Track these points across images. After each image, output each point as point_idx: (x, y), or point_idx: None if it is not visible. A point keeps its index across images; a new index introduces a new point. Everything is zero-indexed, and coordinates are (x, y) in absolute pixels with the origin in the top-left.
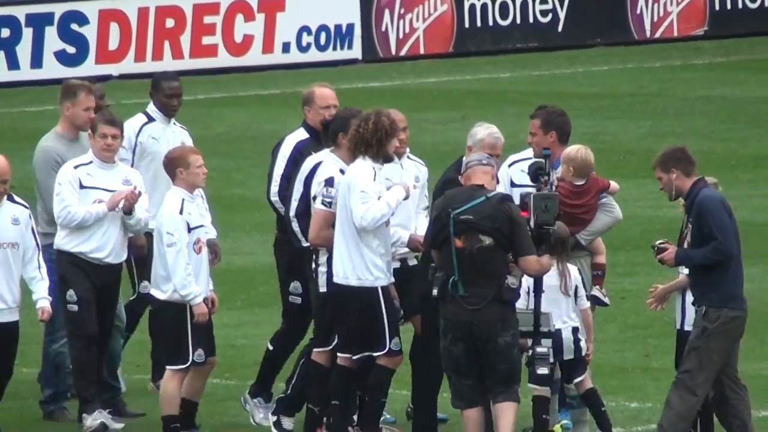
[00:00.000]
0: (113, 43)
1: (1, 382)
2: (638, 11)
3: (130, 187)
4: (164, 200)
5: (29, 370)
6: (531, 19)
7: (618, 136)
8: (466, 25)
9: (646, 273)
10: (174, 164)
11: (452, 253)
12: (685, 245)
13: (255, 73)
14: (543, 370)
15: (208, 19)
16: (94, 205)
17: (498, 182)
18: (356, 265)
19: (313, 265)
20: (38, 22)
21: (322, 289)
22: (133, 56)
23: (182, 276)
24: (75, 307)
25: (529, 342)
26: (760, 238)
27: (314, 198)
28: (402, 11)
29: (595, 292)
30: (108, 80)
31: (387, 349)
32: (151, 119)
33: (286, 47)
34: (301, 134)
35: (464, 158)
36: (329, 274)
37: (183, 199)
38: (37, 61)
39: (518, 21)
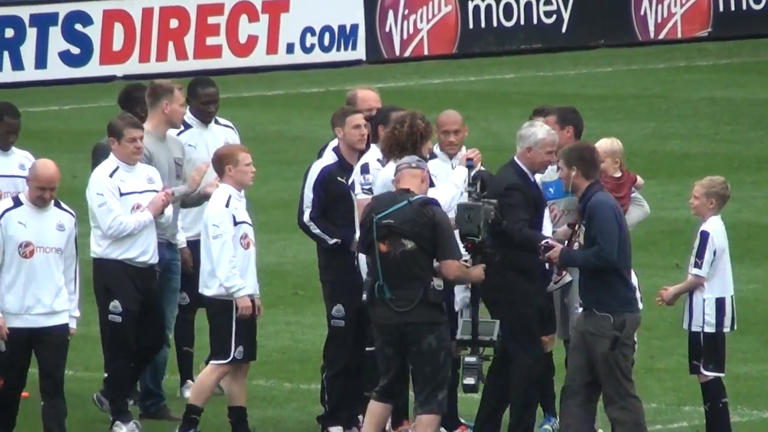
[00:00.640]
0: (117, 44)
1: (56, 386)
2: (642, 12)
3: (162, 192)
4: (212, 196)
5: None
6: (535, 20)
7: (622, 137)
8: (470, 26)
9: (650, 274)
10: (223, 161)
11: (377, 257)
12: (576, 246)
13: (259, 74)
14: (470, 380)
15: (212, 20)
16: (138, 213)
17: (432, 185)
18: None
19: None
20: (42, 23)
21: None
22: (138, 57)
23: (227, 268)
24: (118, 319)
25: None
26: (765, 239)
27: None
28: (406, 12)
29: None
30: (112, 81)
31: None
32: (187, 126)
33: (290, 48)
34: None
35: (516, 159)
36: None
37: (230, 195)
38: (41, 62)
39: (522, 22)
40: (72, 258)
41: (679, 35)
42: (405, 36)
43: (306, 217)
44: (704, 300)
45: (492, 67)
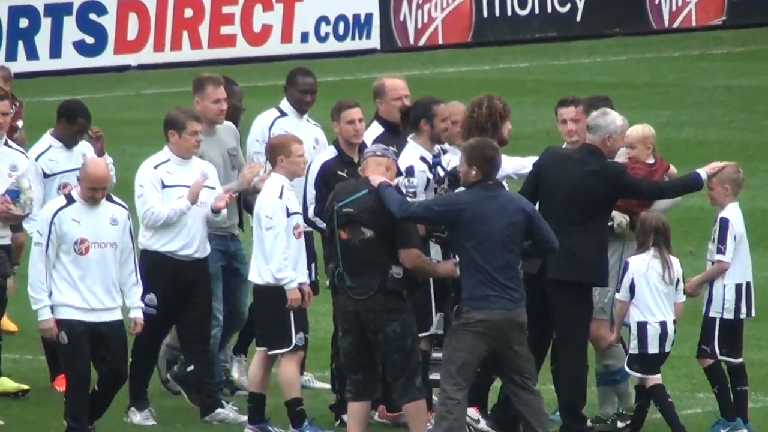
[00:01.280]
0: (132, 33)
1: (115, 384)
2: (657, 1)
3: (224, 193)
4: (264, 186)
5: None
6: (549, 9)
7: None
8: (485, 14)
9: None
10: (276, 151)
11: (338, 244)
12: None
13: (273, 63)
14: (435, 376)
15: (226, 9)
16: (175, 201)
17: (399, 173)
18: None
19: None
20: (57, 12)
21: None
22: (152, 46)
23: (279, 260)
24: (152, 311)
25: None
26: None
27: (398, 190)
28: (420, 1)
29: None
30: (127, 70)
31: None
32: (283, 114)
33: (304, 37)
34: (377, 128)
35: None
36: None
37: (282, 186)
38: (55, 52)
39: (537, 11)
40: (129, 250)
41: (694, 23)
42: (419, 25)
43: (311, 213)
44: (725, 286)
45: (506, 55)
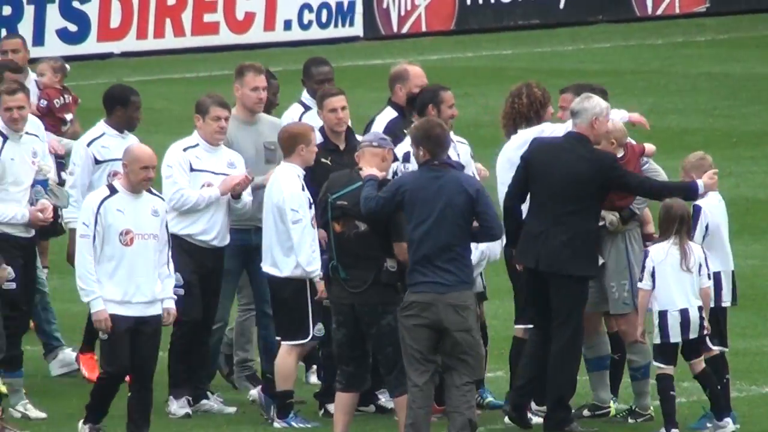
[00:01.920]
0: (115, 21)
1: (144, 377)
2: None
3: (242, 173)
4: (278, 176)
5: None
6: None
7: None
8: (468, 2)
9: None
10: (297, 140)
11: (332, 237)
12: None
13: (256, 51)
14: None
15: None
16: (206, 189)
17: (396, 159)
18: None
19: None
20: (40, 0)
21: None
22: (135, 34)
23: (308, 252)
24: (180, 291)
25: None
26: (763, 214)
27: (395, 175)
28: None
29: None
30: (110, 58)
31: None
32: (307, 108)
33: (287, 24)
34: (390, 113)
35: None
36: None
37: (299, 176)
38: (38, 39)
39: None
40: (165, 243)
41: (677, 11)
42: (403, 12)
43: None
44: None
45: (490, 43)
